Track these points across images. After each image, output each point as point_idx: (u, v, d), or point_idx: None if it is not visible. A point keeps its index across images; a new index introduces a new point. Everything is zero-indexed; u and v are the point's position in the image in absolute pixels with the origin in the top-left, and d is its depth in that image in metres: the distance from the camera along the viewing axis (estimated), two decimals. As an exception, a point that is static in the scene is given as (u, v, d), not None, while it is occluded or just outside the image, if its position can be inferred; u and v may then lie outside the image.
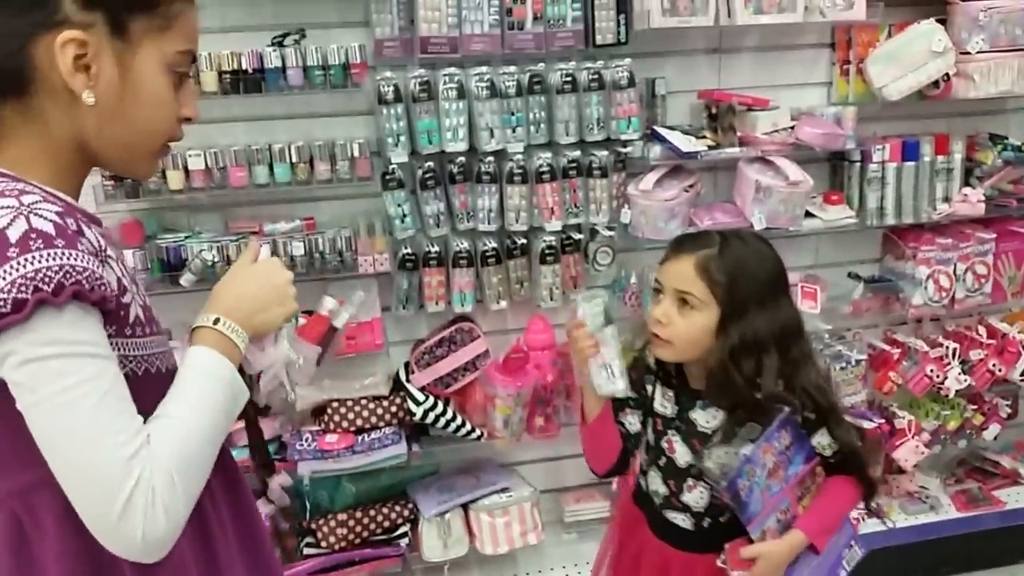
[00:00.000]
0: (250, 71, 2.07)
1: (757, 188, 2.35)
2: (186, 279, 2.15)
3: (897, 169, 2.50)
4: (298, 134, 2.17)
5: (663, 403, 1.60)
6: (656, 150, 2.32)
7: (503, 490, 2.46)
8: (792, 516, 1.48)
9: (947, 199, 2.56)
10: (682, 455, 1.55)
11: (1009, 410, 2.87)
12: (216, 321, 1.01)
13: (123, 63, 0.94)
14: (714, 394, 1.50)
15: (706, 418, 1.52)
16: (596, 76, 2.24)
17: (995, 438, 2.84)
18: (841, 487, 1.54)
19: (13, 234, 0.83)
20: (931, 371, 2.57)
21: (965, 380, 2.61)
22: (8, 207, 0.85)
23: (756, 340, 1.42)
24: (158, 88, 0.97)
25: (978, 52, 2.42)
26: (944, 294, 2.58)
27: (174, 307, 2.25)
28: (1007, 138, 2.62)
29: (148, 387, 0.96)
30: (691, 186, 2.39)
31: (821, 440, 1.51)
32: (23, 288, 0.82)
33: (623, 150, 2.33)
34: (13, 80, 0.91)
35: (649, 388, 1.63)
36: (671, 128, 2.36)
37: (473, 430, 2.37)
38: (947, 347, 2.63)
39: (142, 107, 0.96)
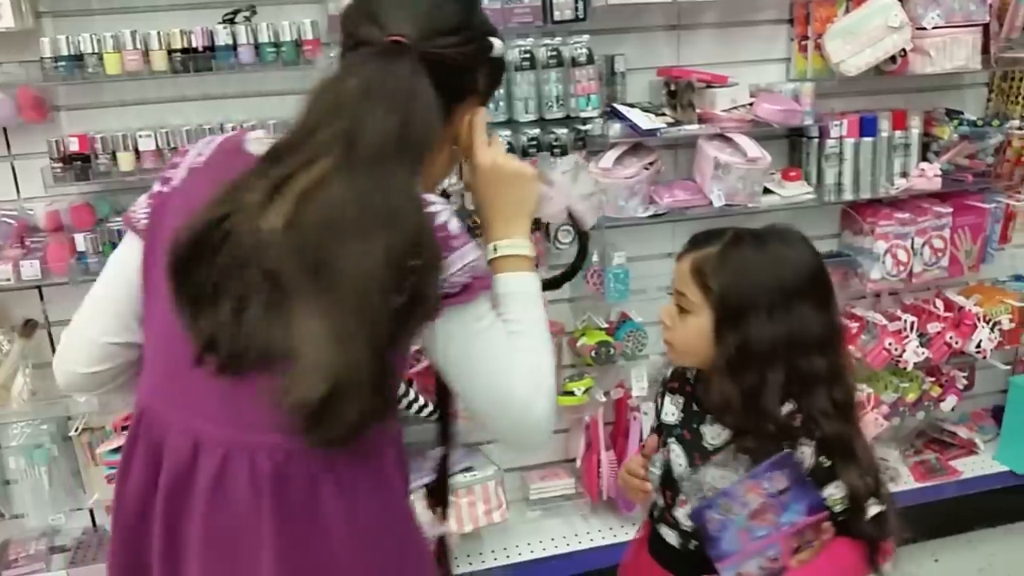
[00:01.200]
0: (201, 49, 2.03)
1: (716, 165, 2.36)
2: (138, 262, 2.12)
3: (855, 145, 2.51)
4: (251, 113, 2.13)
5: (669, 410, 1.48)
6: (616, 128, 2.31)
7: (467, 469, 2.46)
8: (781, 567, 1.31)
9: (904, 174, 2.59)
10: (679, 466, 1.42)
11: (966, 382, 2.93)
12: (495, 250, 1.16)
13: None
14: (716, 409, 1.37)
15: (713, 434, 1.39)
16: (555, 53, 2.22)
17: (952, 409, 2.90)
18: (846, 553, 1.31)
19: (454, 227, 1.05)
20: (889, 344, 2.61)
21: (923, 353, 2.65)
22: (440, 204, 1.06)
23: (756, 351, 1.27)
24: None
25: (934, 27, 2.43)
26: (902, 268, 2.60)
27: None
28: (963, 113, 2.64)
29: None
30: (651, 164, 2.39)
31: (833, 493, 1.30)
32: (468, 274, 1.05)
33: (583, 128, 2.32)
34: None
35: (658, 399, 1.54)
36: (631, 105, 2.36)
37: (435, 410, 2.36)
38: (905, 321, 2.66)
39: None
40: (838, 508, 1.30)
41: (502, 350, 1.08)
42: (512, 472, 2.66)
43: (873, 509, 1.29)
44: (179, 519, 1.06)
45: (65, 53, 1.98)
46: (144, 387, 1.13)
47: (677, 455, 1.43)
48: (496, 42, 1.14)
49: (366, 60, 1.04)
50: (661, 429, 1.50)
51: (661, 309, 1.41)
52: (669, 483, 1.45)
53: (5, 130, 2.13)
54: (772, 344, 1.27)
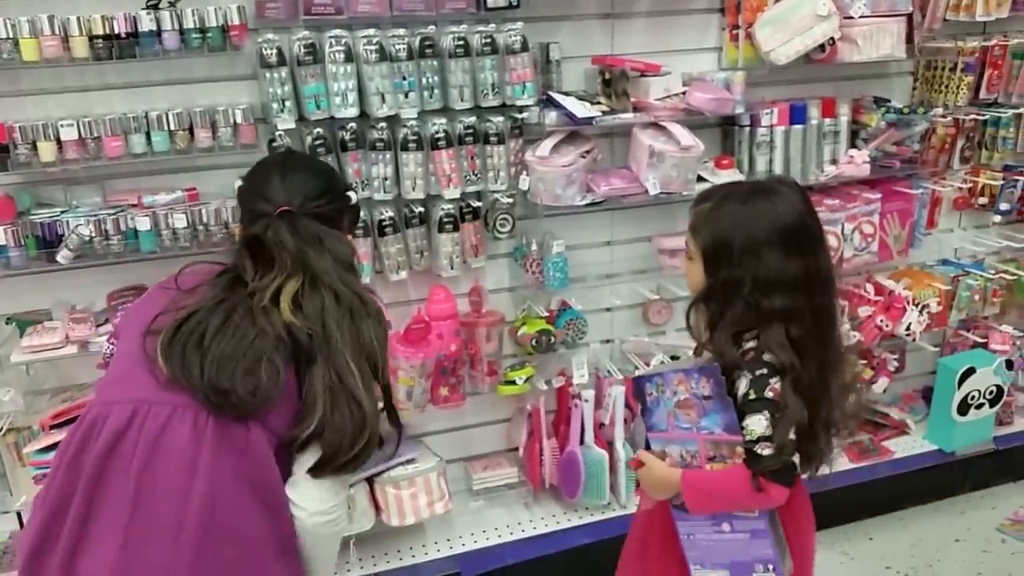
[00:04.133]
0: (124, 35, 1.97)
1: (651, 153, 2.37)
2: (63, 255, 2.05)
3: (785, 132, 2.55)
4: (177, 101, 2.08)
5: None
6: (552, 116, 2.31)
7: (408, 461, 2.44)
8: (697, 466, 1.50)
9: (834, 161, 2.64)
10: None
11: (897, 364, 3.00)
12: None
13: None
14: (691, 332, 1.58)
15: (705, 357, 1.60)
16: (489, 40, 2.21)
17: (884, 391, 2.97)
18: (735, 478, 1.44)
19: None
20: (822, 328, 2.66)
21: (854, 336, 2.71)
22: None
23: (722, 289, 1.48)
24: None
25: (861, 16, 2.49)
26: (832, 253, 2.66)
27: (52, 285, 2.16)
28: (890, 101, 2.71)
29: None
30: (588, 152, 2.39)
31: (748, 424, 1.44)
32: None
33: (519, 116, 2.32)
34: None
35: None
36: (566, 94, 2.36)
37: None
38: (836, 305, 2.71)
39: None
40: (748, 438, 1.45)
41: None
42: (455, 463, 2.65)
43: (764, 451, 1.42)
44: (108, 474, 1.22)
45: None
46: (96, 395, 1.35)
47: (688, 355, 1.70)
48: (352, 195, 1.55)
49: (272, 223, 1.40)
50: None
51: (681, 256, 1.65)
52: None
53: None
54: (736, 284, 1.47)
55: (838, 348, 1.56)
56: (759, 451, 1.43)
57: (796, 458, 1.45)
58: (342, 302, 1.35)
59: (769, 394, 1.43)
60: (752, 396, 1.45)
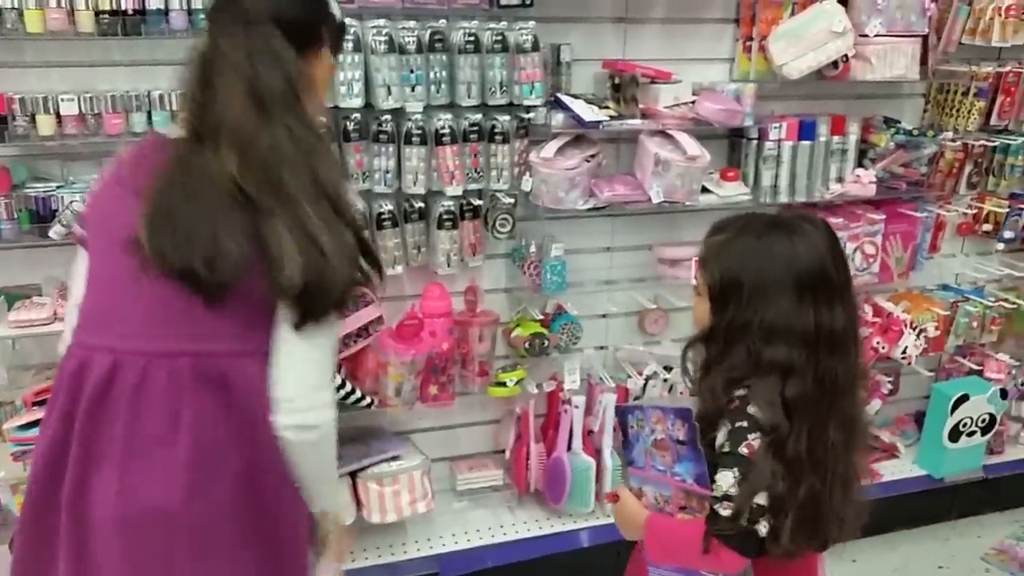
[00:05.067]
0: (130, 12, 1.94)
1: (656, 161, 2.35)
2: (55, 231, 2.03)
3: (793, 148, 2.53)
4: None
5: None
6: (559, 118, 2.29)
7: (393, 458, 2.42)
8: (669, 513, 1.42)
9: (840, 179, 2.62)
10: None
11: (891, 386, 2.99)
12: None
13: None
14: (691, 371, 1.47)
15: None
16: (500, 37, 2.18)
17: (876, 413, 2.95)
18: (694, 536, 1.33)
19: None
20: (818, 347, 2.64)
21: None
22: None
23: (724, 330, 1.37)
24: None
25: (876, 35, 2.47)
26: (834, 273, 2.63)
27: (43, 260, 2.13)
28: (900, 122, 2.69)
29: None
30: (593, 156, 2.37)
31: (718, 479, 1.32)
32: None
33: (526, 116, 2.29)
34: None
35: None
36: (575, 96, 2.33)
37: (363, 397, 2.32)
38: (834, 324, 2.69)
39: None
40: (716, 494, 1.32)
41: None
42: (440, 462, 2.63)
43: (723, 511, 1.30)
44: (98, 429, 1.23)
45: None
46: (75, 332, 1.32)
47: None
48: (335, 11, 1.42)
49: (228, 27, 1.27)
50: None
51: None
52: None
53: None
54: (741, 328, 1.35)
55: (849, 426, 1.36)
56: (718, 510, 1.30)
57: (763, 527, 1.28)
58: (296, 138, 1.23)
59: (744, 450, 1.30)
60: (726, 449, 1.32)
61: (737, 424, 1.32)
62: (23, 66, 2.04)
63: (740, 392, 1.35)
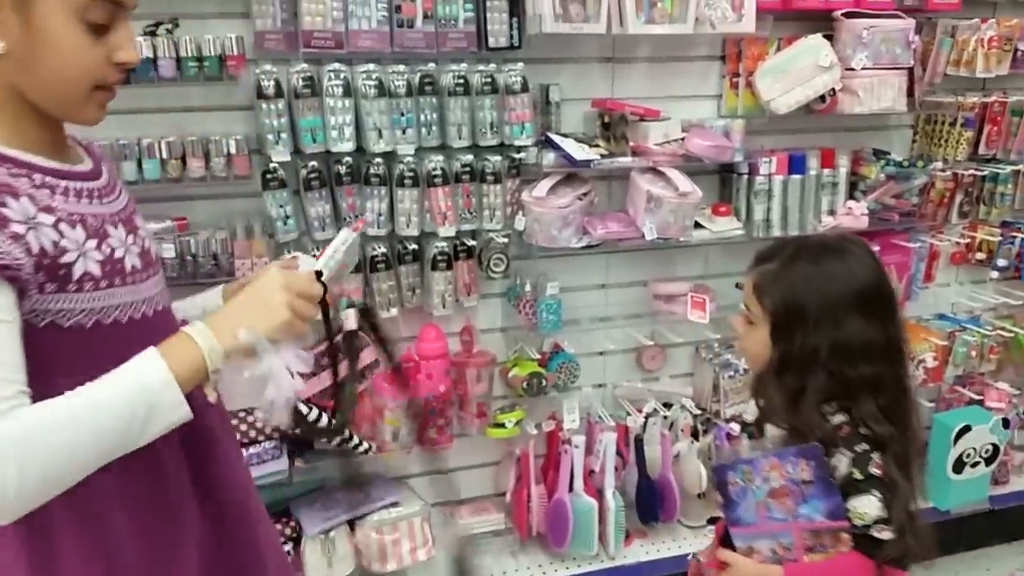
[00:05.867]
0: (120, 61, 1.95)
1: (648, 198, 2.35)
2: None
3: (784, 182, 2.54)
4: (170, 129, 2.04)
5: (752, 409, 1.57)
6: (550, 157, 2.29)
7: (392, 505, 2.38)
8: (793, 560, 1.35)
9: (832, 212, 2.62)
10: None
11: (892, 418, 2.96)
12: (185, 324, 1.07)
13: (24, 14, 0.96)
14: (766, 409, 1.46)
15: (773, 433, 1.47)
16: (489, 79, 2.20)
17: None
18: (859, 568, 1.32)
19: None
20: (818, 380, 2.62)
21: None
22: None
23: (798, 358, 1.37)
24: (65, 37, 0.99)
25: (862, 68, 2.49)
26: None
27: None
28: (889, 153, 2.70)
29: (107, 337, 1.04)
30: (585, 194, 2.37)
31: (856, 506, 1.32)
32: None
33: (517, 156, 2.30)
34: None
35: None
36: (565, 135, 2.34)
37: (361, 443, 2.28)
38: (833, 356, 2.68)
39: (51, 56, 0.99)
40: (858, 523, 1.32)
41: None
42: (439, 507, 2.58)
43: (883, 534, 1.31)
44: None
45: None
46: None
47: (744, 446, 1.55)
48: None
49: None
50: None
51: (732, 319, 1.54)
52: None
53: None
54: (814, 352, 1.36)
55: (918, 420, 1.45)
56: (878, 535, 1.30)
57: (911, 540, 1.32)
58: None
59: (875, 471, 1.32)
60: (858, 476, 1.33)
61: (858, 448, 1.34)
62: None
63: (841, 417, 1.37)
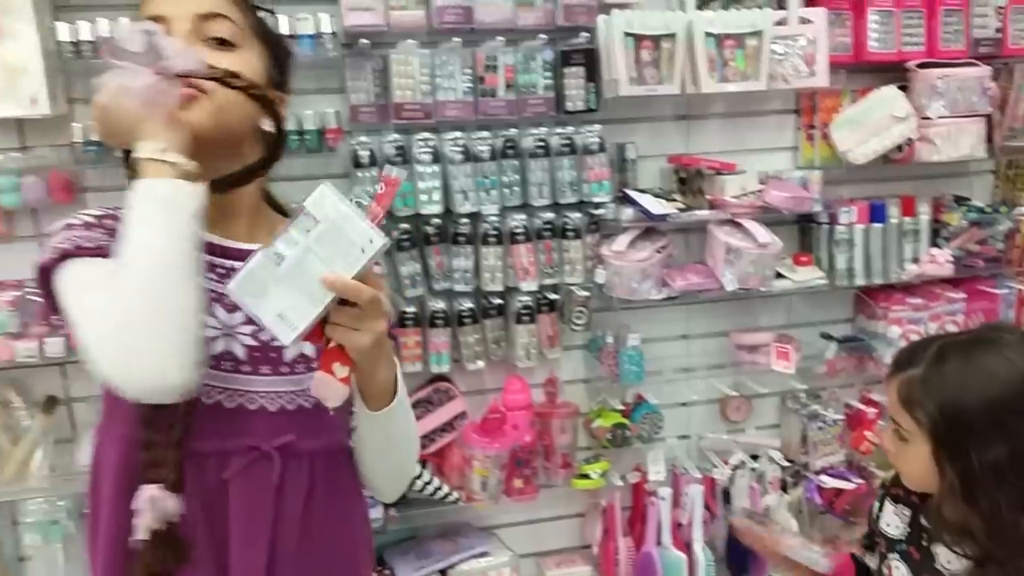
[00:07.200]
0: (229, 137, 2.13)
1: (727, 250, 2.40)
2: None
3: (864, 231, 2.55)
4: (276, 198, 2.21)
5: (892, 521, 1.39)
6: (628, 212, 2.37)
7: (482, 554, 2.42)
8: None
9: (915, 259, 2.61)
10: None
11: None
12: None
13: None
14: (953, 534, 1.25)
15: (948, 557, 1.27)
16: (568, 141, 2.30)
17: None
18: None
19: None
20: (908, 430, 2.57)
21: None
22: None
23: (982, 477, 1.18)
24: None
25: (938, 117, 2.50)
26: (917, 352, 2.59)
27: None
28: (970, 199, 2.68)
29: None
30: (663, 247, 2.44)
31: None
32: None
33: (596, 212, 2.39)
34: None
35: (876, 503, 1.44)
36: (642, 191, 2.42)
37: (451, 493, 2.35)
38: (923, 406, 2.63)
39: None
40: None
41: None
42: (528, 558, 2.61)
43: None
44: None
45: (95, 138, 2.04)
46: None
47: (901, 573, 1.33)
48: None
49: None
50: (875, 535, 1.42)
51: (882, 434, 1.37)
52: None
53: (35, 211, 2.18)
54: (996, 468, 1.18)
55: None
56: None
57: None
58: None
59: None
60: None
61: None
62: (127, 189, 2.23)
63: None
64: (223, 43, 1.12)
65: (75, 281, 1.05)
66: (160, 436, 1.06)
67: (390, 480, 1.34)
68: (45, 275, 1.09)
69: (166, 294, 0.96)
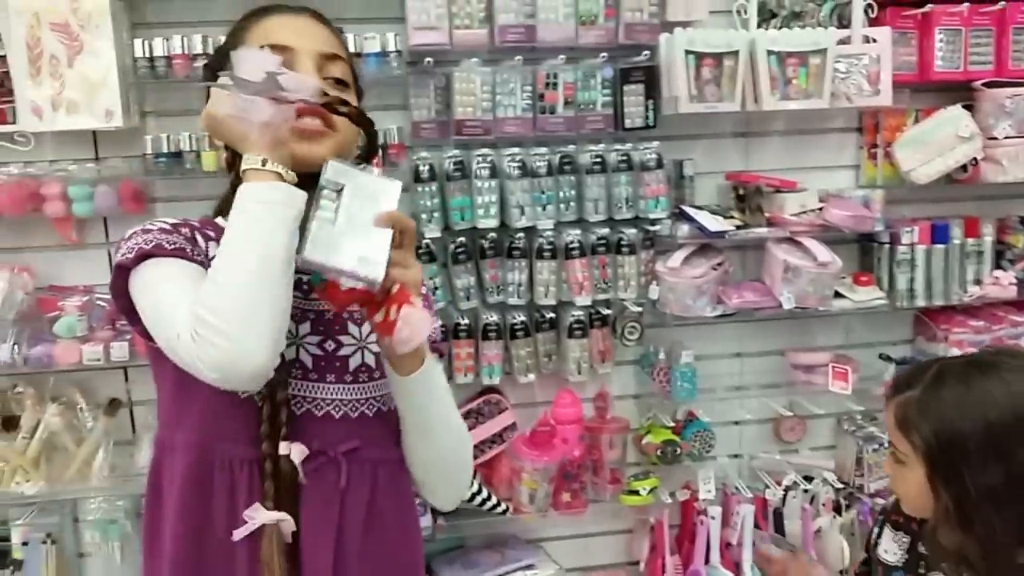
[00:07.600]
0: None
1: (786, 268, 2.37)
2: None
3: (927, 251, 2.50)
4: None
5: (890, 548, 1.38)
6: (684, 229, 2.36)
7: (528, 567, 2.43)
8: None
9: (978, 281, 2.56)
10: None
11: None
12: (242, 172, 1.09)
13: None
14: (951, 561, 1.25)
15: None
16: (625, 158, 2.30)
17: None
18: None
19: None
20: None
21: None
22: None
23: (977, 503, 1.17)
24: None
25: (1005, 137, 2.44)
26: (979, 377, 2.54)
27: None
28: (1036, 222, 2.62)
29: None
30: (719, 264, 2.42)
31: None
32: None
33: (651, 228, 2.38)
34: None
35: (875, 529, 1.44)
36: (699, 208, 2.41)
37: (499, 504, 2.37)
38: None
39: None
40: None
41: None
42: (574, 572, 2.61)
43: None
44: None
45: (165, 150, 2.12)
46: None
47: None
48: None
49: None
50: (871, 563, 1.41)
51: (885, 460, 1.37)
52: None
53: (105, 220, 2.26)
54: (991, 493, 1.17)
55: None
56: None
57: None
58: None
59: None
60: None
61: None
62: (197, 199, 2.27)
63: None
64: (339, 82, 1.22)
65: (158, 276, 1.11)
66: (268, 446, 1.13)
67: (440, 476, 1.31)
68: (122, 275, 1.14)
69: (271, 283, 1.02)
